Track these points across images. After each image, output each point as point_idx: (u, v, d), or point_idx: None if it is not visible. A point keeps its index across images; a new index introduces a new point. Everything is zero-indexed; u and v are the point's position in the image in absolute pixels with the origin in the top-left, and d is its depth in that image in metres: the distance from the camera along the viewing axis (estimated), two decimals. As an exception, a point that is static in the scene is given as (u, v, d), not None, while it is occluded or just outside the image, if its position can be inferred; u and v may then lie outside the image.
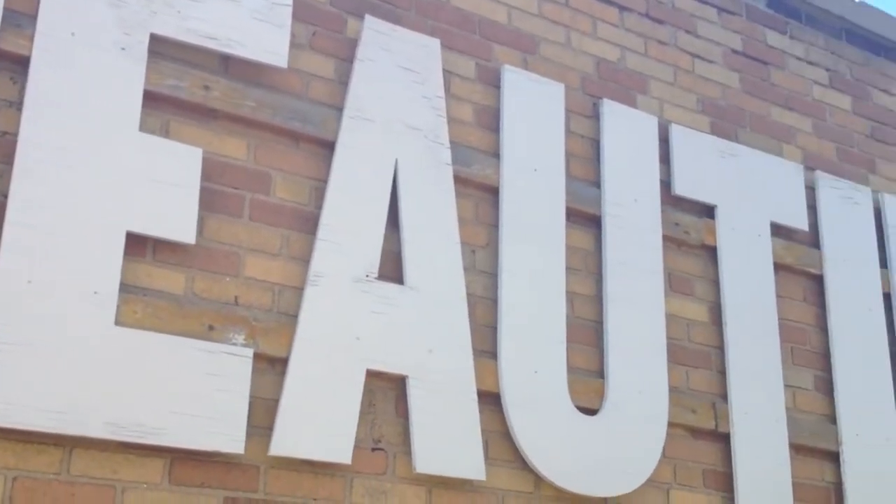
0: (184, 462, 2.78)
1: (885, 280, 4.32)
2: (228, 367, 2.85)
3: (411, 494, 3.09)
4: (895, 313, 4.29)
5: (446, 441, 3.14)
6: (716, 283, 3.95)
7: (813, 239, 4.24)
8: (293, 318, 3.04)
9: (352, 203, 3.21)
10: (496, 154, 3.59)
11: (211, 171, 3.05)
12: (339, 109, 3.31)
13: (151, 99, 3.00)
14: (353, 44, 3.41)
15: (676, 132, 4.02)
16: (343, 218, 3.18)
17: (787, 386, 3.94)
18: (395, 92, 3.40)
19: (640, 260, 3.75)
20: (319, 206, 3.18)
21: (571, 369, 3.50)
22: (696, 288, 3.92)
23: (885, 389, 4.13)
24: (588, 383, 3.52)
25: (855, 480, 3.91)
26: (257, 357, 2.93)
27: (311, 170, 3.23)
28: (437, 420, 3.14)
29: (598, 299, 3.67)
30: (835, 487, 3.92)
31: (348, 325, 3.08)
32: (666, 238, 3.86)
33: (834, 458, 3.95)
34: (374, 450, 3.07)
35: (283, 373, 2.97)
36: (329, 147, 3.26)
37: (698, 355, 3.82)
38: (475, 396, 3.24)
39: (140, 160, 2.90)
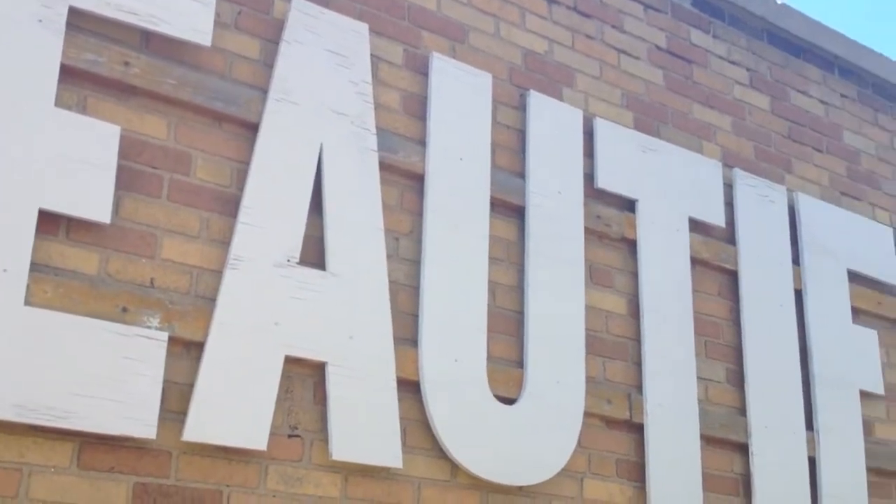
0: (93, 446, 2.72)
1: (797, 277, 4.44)
2: (142, 350, 2.79)
3: (327, 482, 3.07)
4: (805, 310, 4.40)
5: (364, 428, 3.13)
6: (635, 276, 4.00)
7: (729, 235, 4.33)
8: (211, 301, 2.99)
9: (274, 186, 3.17)
10: (422, 142, 3.58)
11: (129, 149, 2.98)
12: (264, 91, 3.26)
13: (68, 73, 2.92)
14: (279, 25, 3.36)
15: (601, 126, 4.06)
16: (265, 201, 3.13)
17: (700, 378, 4.02)
18: (322, 76, 3.37)
19: (562, 251, 3.79)
20: (241, 189, 3.13)
21: (491, 358, 3.52)
22: (616, 280, 3.97)
23: (794, 383, 4.25)
24: (507, 373, 3.54)
25: (762, 471, 4.02)
26: (172, 341, 2.88)
27: (233, 151, 3.18)
28: (355, 407, 3.13)
29: (519, 289, 3.69)
30: (743, 478, 4.02)
31: (267, 310, 3.05)
32: (588, 230, 3.90)
33: (743, 449, 4.05)
34: (290, 436, 3.05)
35: (198, 357, 2.92)
36: (252, 129, 3.21)
37: (615, 347, 3.87)
38: (394, 384, 3.24)
39: (55, 136, 2.82)
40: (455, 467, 3.32)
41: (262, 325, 3.02)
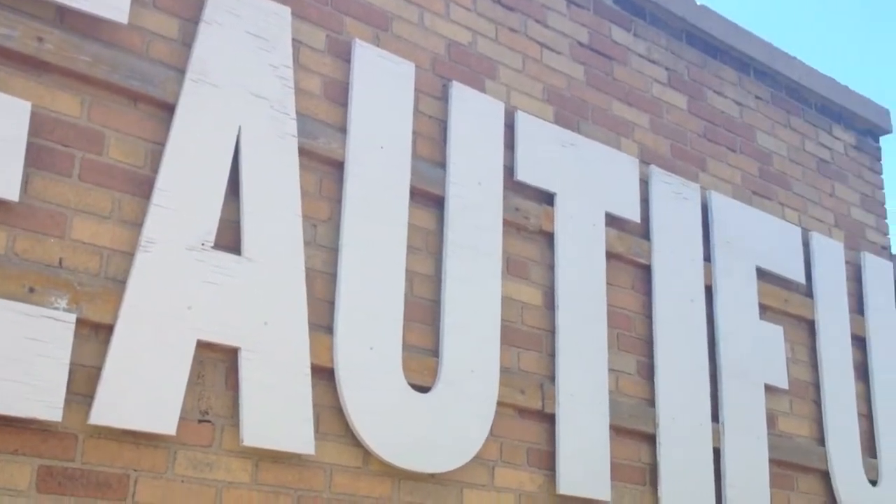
0: (-4, 429, 2.66)
1: (708, 273, 4.55)
2: (49, 331, 2.74)
3: (237, 467, 3.05)
4: (715, 305, 4.52)
5: (276, 415, 3.12)
6: (551, 269, 4.06)
7: (644, 230, 4.41)
8: (121, 284, 2.94)
9: (190, 169, 3.13)
10: (343, 129, 3.57)
11: (40, 126, 2.91)
12: (182, 71, 3.21)
13: (-22, 46, 2.84)
14: (199, 4, 3.31)
15: (522, 119, 4.10)
16: (180, 183, 3.09)
17: (611, 370, 4.10)
18: (242, 58, 3.33)
19: (480, 242, 3.82)
20: (155, 170, 3.08)
21: (407, 347, 3.53)
22: (532, 272, 4.02)
23: (702, 376, 4.36)
24: (422, 361, 3.56)
25: (669, 461, 4.11)
26: (81, 323, 2.82)
27: (148, 132, 3.13)
28: (267, 393, 3.11)
29: (437, 279, 3.71)
30: (650, 468, 4.11)
31: (180, 294, 3.01)
32: (506, 222, 3.94)
33: (651, 439, 4.14)
34: (200, 421, 3.02)
35: (107, 340, 2.87)
36: (169, 109, 3.17)
37: (530, 337, 3.92)
38: (308, 371, 3.23)
39: (-38, 110, 2.74)
40: (367, 454, 3.33)
41: (174, 308, 2.99)
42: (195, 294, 3.04)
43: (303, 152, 3.43)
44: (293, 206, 3.34)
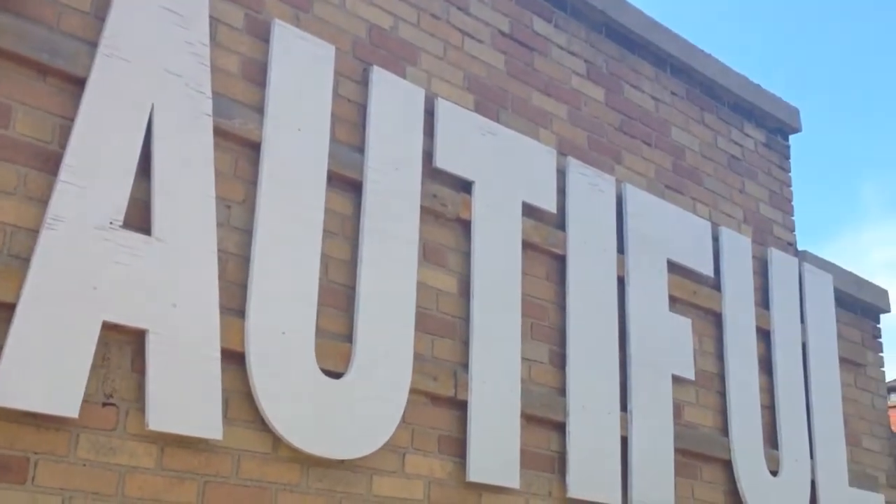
0: None
1: (620, 265, 4.62)
2: (-54, 310, 2.64)
3: (142, 452, 2.99)
4: (626, 296, 4.59)
5: (183, 399, 3.06)
6: (467, 256, 4.07)
7: (559, 221, 4.46)
8: (25, 262, 2.85)
9: (100, 145, 3.04)
10: (260, 109, 3.52)
11: (-59, 96, 2.79)
12: (94, 45, 3.12)
13: None
14: (113, -23, 3.22)
15: (442, 106, 4.10)
16: (89, 160, 3.01)
17: (524, 359, 4.13)
18: (156, 33, 3.25)
19: (397, 228, 3.80)
20: (63, 146, 2.99)
21: (320, 332, 3.50)
22: (449, 259, 4.03)
23: (612, 366, 4.43)
24: (336, 347, 3.54)
25: (577, 450, 4.17)
26: (-20, 301, 2.73)
27: (56, 106, 3.03)
28: (175, 377, 3.06)
29: (352, 264, 3.69)
30: (559, 456, 4.16)
31: (86, 274, 2.93)
32: (423, 209, 3.93)
33: (561, 428, 4.19)
34: (104, 405, 2.95)
35: (9, 320, 2.78)
36: (79, 84, 3.07)
37: (444, 325, 3.93)
38: (218, 355, 3.18)
39: None
40: (277, 440, 3.30)
41: (79, 288, 2.91)
42: (102, 274, 2.96)
43: (218, 132, 3.36)
44: (206, 187, 3.28)
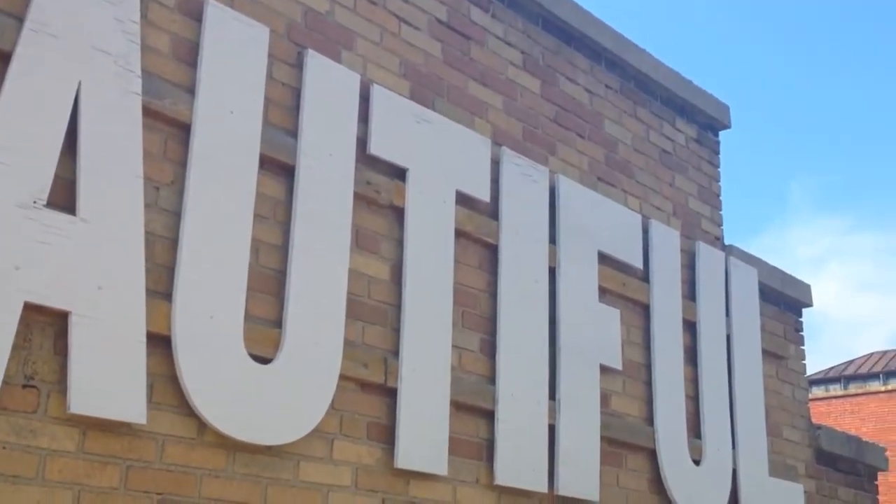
0: None
1: (552, 255, 4.66)
2: None
3: (63, 435, 2.94)
4: (557, 287, 4.63)
5: (107, 382, 3.01)
6: (400, 244, 4.06)
7: (493, 210, 4.48)
8: (-57, 240, 2.77)
9: (24, 122, 2.97)
10: (191, 90, 3.47)
11: None
12: (20, 19, 3.04)
13: None
14: (41, -50, 3.13)
15: (377, 93, 4.08)
16: (12, 137, 2.93)
17: (454, 346, 4.15)
18: (85, 10, 3.18)
19: (330, 214, 3.78)
20: (-14, 122, 2.91)
21: (249, 317, 3.47)
22: (381, 246, 4.02)
23: (541, 355, 4.47)
24: (265, 332, 3.51)
25: (505, 437, 4.20)
26: None
27: (-21, 80, 2.95)
28: (98, 359, 3.00)
29: (283, 249, 3.66)
30: (487, 443, 4.19)
31: (7, 254, 2.86)
32: (357, 195, 3.92)
33: (490, 416, 4.22)
34: (25, 387, 2.89)
35: (-75, 299, 2.71)
36: (4, 59, 3.00)
37: (376, 312, 3.92)
38: (143, 338, 3.13)
39: None
40: (202, 425, 3.26)
41: (1, 268, 2.84)
42: (24, 254, 2.90)
43: (147, 112, 3.31)
44: (134, 167, 3.22)
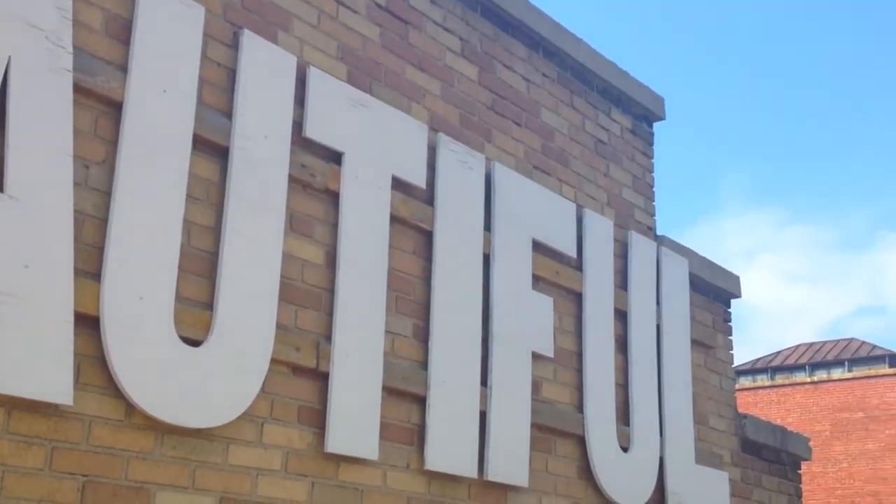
0: None
1: (487, 242, 4.69)
2: None
3: (-14, 416, 2.88)
4: (491, 274, 4.67)
5: (33, 362, 2.96)
6: (335, 228, 4.05)
7: (428, 196, 4.49)
8: None
9: (-52, 96, 2.90)
10: (124, 68, 3.41)
11: None
12: (-55, -11, 2.96)
13: None
14: (-31, -81, 3.06)
15: (314, 75, 4.06)
16: (-64, 110, 2.86)
17: (388, 332, 4.15)
18: (14, -18, 3.11)
19: (264, 197, 3.76)
20: None
21: (180, 299, 3.44)
22: (316, 230, 4.01)
23: (474, 342, 4.50)
24: (196, 314, 3.48)
25: (436, 423, 4.23)
26: None
27: None
28: (24, 339, 2.95)
29: (216, 231, 3.63)
30: (418, 429, 4.21)
31: (-71, 230, 2.79)
32: (292, 178, 3.90)
33: (421, 401, 4.24)
34: (-54, 367, 2.83)
35: None
36: (-73, 29, 2.92)
37: (309, 296, 3.91)
38: (71, 318, 3.09)
39: None
40: (130, 407, 3.23)
41: (-78, 245, 2.77)
42: (-53, 231, 2.83)
43: (78, 89, 3.25)
44: (64, 145, 3.17)
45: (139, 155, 3.37)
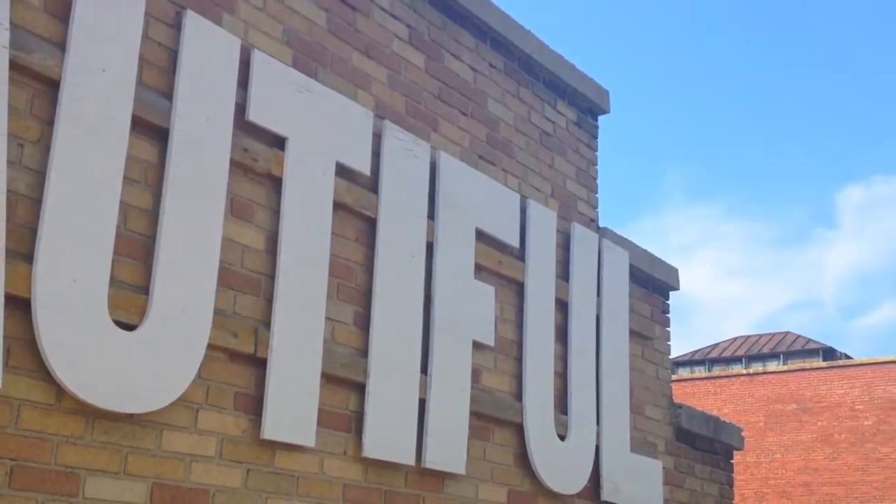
0: None
1: (430, 231, 4.69)
2: None
3: None
4: (434, 262, 4.67)
5: (-40, 345, 2.90)
6: (276, 214, 4.02)
7: (372, 184, 4.47)
8: None
9: None
10: (62, 46, 3.34)
11: None
12: None
13: None
14: None
15: (258, 59, 4.01)
16: None
17: (328, 319, 4.14)
18: (-52, -47, 3.02)
19: (204, 181, 3.72)
20: None
21: (115, 282, 3.39)
22: (257, 215, 3.97)
23: (415, 330, 4.50)
24: (131, 298, 3.44)
25: (375, 410, 4.23)
26: None
27: None
28: (-49, 321, 2.89)
29: (154, 214, 3.58)
30: (356, 416, 4.21)
31: None
32: (233, 162, 3.85)
33: (360, 388, 4.23)
34: None
35: None
36: None
37: (248, 281, 3.88)
38: (2, 300, 3.03)
39: None
40: (61, 391, 3.18)
41: None
42: None
43: (14, 66, 3.18)
44: (-3, 123, 3.09)
45: (76, 135, 3.31)
